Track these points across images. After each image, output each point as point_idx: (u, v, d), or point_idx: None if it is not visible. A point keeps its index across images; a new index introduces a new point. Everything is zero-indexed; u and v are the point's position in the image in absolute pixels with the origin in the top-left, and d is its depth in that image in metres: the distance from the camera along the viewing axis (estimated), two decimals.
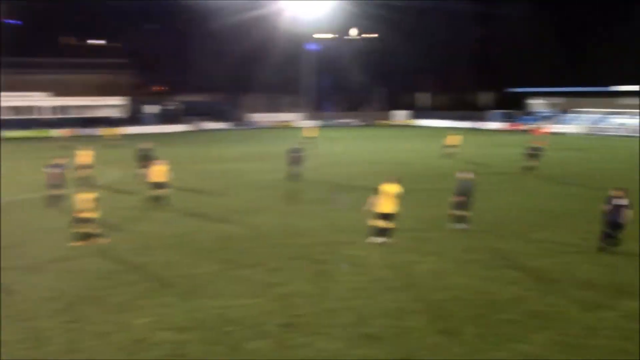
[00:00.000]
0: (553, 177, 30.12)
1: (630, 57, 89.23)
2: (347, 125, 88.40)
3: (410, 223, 19.04)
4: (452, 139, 41.02)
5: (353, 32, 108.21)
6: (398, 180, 16.80)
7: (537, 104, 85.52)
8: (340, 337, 10.28)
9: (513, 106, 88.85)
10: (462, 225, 18.34)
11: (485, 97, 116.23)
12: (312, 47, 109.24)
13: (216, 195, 25.10)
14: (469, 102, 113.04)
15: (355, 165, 36.09)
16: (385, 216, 16.33)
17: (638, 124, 66.26)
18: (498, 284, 13.09)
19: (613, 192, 16.08)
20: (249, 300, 12.00)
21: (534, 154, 32.51)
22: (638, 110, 70.56)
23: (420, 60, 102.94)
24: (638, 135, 63.49)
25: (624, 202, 15.76)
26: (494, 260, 14.93)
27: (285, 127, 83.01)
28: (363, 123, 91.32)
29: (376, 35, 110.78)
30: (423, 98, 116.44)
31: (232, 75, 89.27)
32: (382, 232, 16.45)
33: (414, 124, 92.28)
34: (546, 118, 79.83)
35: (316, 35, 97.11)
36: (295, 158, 30.00)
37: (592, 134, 67.53)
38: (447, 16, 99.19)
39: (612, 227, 15.82)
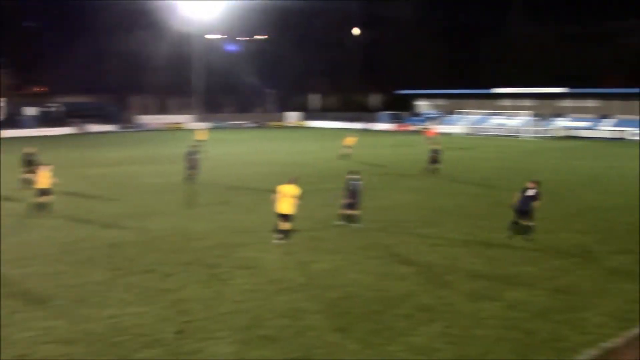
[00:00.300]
0: (443, 176, 31.38)
1: (508, 60, 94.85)
2: (239, 127, 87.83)
3: (305, 223, 19.23)
4: (349, 140, 41.78)
5: (245, 33, 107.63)
6: (295, 182, 16.93)
7: (423, 106, 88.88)
8: (236, 340, 10.22)
9: (401, 107, 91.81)
10: (356, 225, 18.79)
11: (374, 99, 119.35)
12: (230, 47, 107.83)
13: (105, 200, 24.20)
14: (359, 104, 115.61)
15: (249, 166, 35.98)
16: (283, 217, 16.52)
17: (516, 124, 70.41)
18: (391, 280, 13.50)
19: (528, 184, 17.54)
20: (141, 308, 11.67)
21: (435, 156, 32.97)
22: (516, 112, 75.07)
23: (311, 62, 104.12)
24: (517, 135, 67.50)
25: (533, 192, 17.27)
26: (387, 257, 15.38)
27: (176, 129, 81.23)
28: (256, 124, 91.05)
29: (266, 37, 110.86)
30: (314, 99, 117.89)
31: (120, 75, 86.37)
32: (280, 233, 16.66)
33: (306, 125, 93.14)
34: (432, 119, 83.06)
35: (208, 36, 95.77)
36: (192, 161, 29.56)
37: (475, 134, 71.00)
38: (336, 18, 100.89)
39: (519, 215, 17.35)
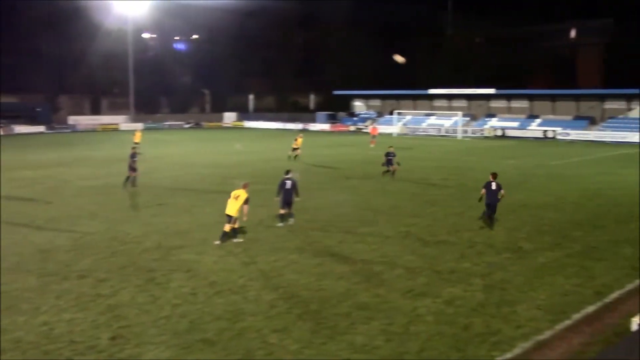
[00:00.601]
0: (380, 176, 31.73)
1: (442, 62, 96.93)
2: (176, 128, 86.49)
3: (244, 224, 19.13)
4: (299, 141, 41.66)
5: (182, 33, 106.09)
6: (246, 187, 16.96)
7: (360, 106, 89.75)
8: (174, 344, 10.05)
9: (339, 108, 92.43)
10: (290, 221, 19.04)
11: (312, 99, 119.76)
12: (179, 46, 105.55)
13: (36, 203, 23.37)
14: (297, 104, 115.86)
15: (185, 168, 35.48)
16: (229, 218, 16.58)
17: (451, 124, 72.05)
18: (329, 279, 13.56)
19: (490, 177, 19.11)
20: (75, 315, 11.33)
21: (390, 158, 32.17)
22: (450, 112, 76.77)
23: (248, 63, 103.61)
24: (451, 135, 69.11)
25: (494, 185, 18.84)
26: (325, 257, 15.45)
27: (109, 129, 79.28)
28: (193, 125, 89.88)
29: (203, 37, 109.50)
30: (252, 100, 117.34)
31: (50, 75, 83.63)
32: (224, 234, 16.72)
33: (244, 126, 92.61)
34: (370, 119, 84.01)
35: (144, 35, 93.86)
36: (133, 162, 28.77)
37: (412, 134, 72.26)
38: (273, 18, 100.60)
39: (487, 207, 19.07)
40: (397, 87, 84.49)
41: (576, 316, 11.40)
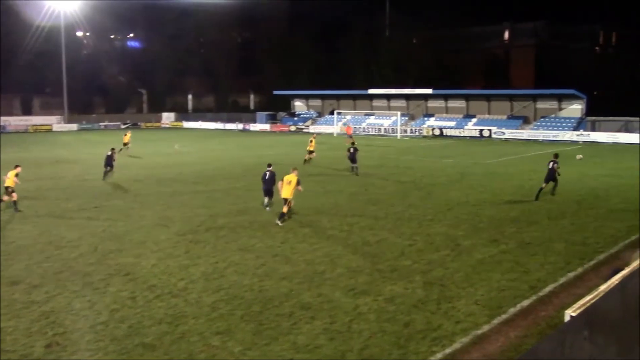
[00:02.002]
0: (321, 174, 31.87)
1: (381, 62, 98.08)
2: (112, 128, 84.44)
3: (184, 226, 18.90)
4: (312, 144, 41.19)
5: (118, 32, 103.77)
6: (294, 170, 19.84)
7: (301, 106, 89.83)
8: (112, 350, 9.82)
9: (279, 108, 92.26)
10: (271, 206, 21.67)
11: (252, 99, 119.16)
12: (133, 44, 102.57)
13: None
14: (237, 104, 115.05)
15: (121, 169, 34.67)
16: (285, 201, 19.51)
17: (390, 124, 73.00)
18: (271, 280, 13.53)
19: (552, 157, 24.93)
20: (6, 323, 10.90)
21: (353, 155, 33.13)
22: (389, 112, 77.78)
23: (186, 62, 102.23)
24: (391, 134, 70.02)
25: (551, 164, 24.49)
26: (267, 258, 15.40)
27: (42, 130, 76.70)
28: (129, 125, 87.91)
29: (140, 35, 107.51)
30: (190, 100, 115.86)
31: None
32: (282, 215, 19.36)
33: (183, 126, 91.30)
34: (311, 119, 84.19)
35: (78, 34, 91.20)
36: (107, 160, 30.35)
37: (353, 134, 72.74)
38: (210, 17, 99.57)
39: (547, 181, 24.63)
40: (337, 87, 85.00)
41: (512, 310, 11.74)
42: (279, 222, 19.10)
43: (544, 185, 24.67)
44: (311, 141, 39.15)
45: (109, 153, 30.73)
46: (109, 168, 30.53)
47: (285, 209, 19.47)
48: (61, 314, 11.44)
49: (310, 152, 38.36)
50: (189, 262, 14.92)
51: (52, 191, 26.58)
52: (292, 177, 19.67)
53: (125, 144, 43.82)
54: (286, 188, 19.45)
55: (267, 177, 21.99)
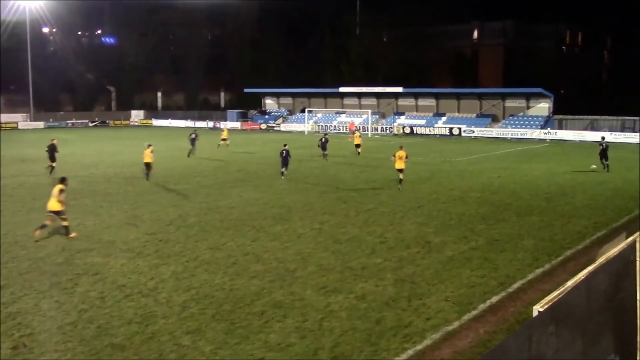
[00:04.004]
0: (292, 172, 31.84)
1: (352, 60, 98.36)
2: (80, 126, 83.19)
3: (153, 225, 18.74)
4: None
5: (85, 28, 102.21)
6: (401, 147, 24.06)
7: (272, 104, 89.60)
8: (80, 351, 9.69)
9: (250, 106, 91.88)
10: (285, 175, 29.30)
11: (222, 97, 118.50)
12: (107, 40, 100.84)
13: None
14: (207, 102, 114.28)
15: (90, 168, 34.26)
16: (400, 171, 26.55)
17: (361, 122, 73.21)
18: (242, 279, 13.49)
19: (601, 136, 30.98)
20: None
21: (324, 145, 39.45)
22: (360, 110, 78.01)
23: (155, 59, 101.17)
24: (362, 132, 70.22)
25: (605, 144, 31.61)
26: (238, 256, 15.34)
27: (6, 128, 75.18)
28: (98, 123, 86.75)
29: (107, 32, 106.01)
30: (160, 97, 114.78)
31: None
32: (400, 181, 26.46)
33: (152, 124, 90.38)
34: (282, 117, 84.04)
35: (44, 30, 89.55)
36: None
37: (323, 132, 72.81)
38: (179, 14, 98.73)
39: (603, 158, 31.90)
40: (308, 85, 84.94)
41: (482, 306, 11.90)
42: (400, 187, 26.27)
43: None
44: (354, 134, 46.71)
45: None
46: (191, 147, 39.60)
47: (400, 175, 26.55)
48: (28, 315, 11.26)
49: (358, 145, 43.24)
50: (159, 262, 14.80)
51: (17, 189, 26.10)
52: (402, 153, 26.38)
53: (223, 140, 46.84)
54: (399, 162, 26.33)
55: (284, 154, 29.98)
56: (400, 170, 26.33)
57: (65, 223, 17.20)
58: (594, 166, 33.76)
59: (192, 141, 40.69)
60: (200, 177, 30.41)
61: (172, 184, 28.10)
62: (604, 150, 33.19)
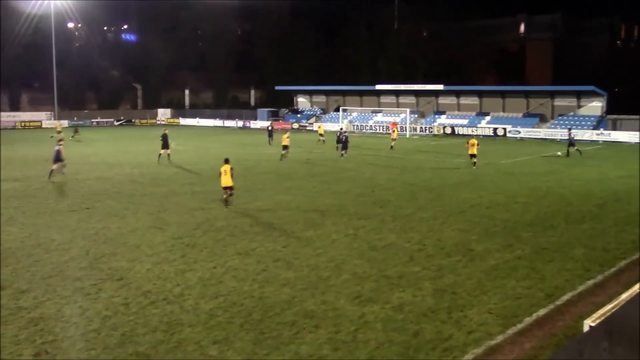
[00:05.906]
0: (326, 174, 31.87)
1: (390, 57, 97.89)
2: (105, 125, 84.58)
3: (180, 229, 18.93)
4: (394, 134, 50.43)
5: (111, 24, 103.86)
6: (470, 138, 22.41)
7: (304, 102, 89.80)
8: (105, 359, 9.85)
9: (282, 104, 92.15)
10: (344, 155, 33.89)
11: (252, 95, 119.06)
12: (130, 37, 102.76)
13: None
14: (237, 100, 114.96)
15: (116, 168, 34.79)
16: (472, 157, 35.40)
17: (399, 122, 72.91)
18: (272, 286, 13.53)
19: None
20: None
21: (345, 143, 41.10)
22: (398, 109, 77.65)
23: (183, 56, 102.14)
24: (400, 132, 69.92)
25: None
26: (268, 263, 15.40)
27: (30, 127, 76.84)
28: (123, 122, 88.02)
29: (134, 27, 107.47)
30: (188, 95, 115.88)
31: None
32: (474, 164, 32.98)
33: (180, 123, 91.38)
34: (315, 116, 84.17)
35: (69, 25, 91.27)
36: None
37: (359, 132, 72.73)
38: (208, 9, 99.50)
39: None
40: (342, 82, 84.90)
41: (528, 320, 11.72)
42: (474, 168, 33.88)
43: None
44: (393, 130, 51.29)
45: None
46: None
47: (474, 159, 35.17)
48: (50, 320, 11.47)
49: (393, 139, 48.99)
50: (186, 267, 14.94)
51: (41, 191, 26.65)
52: (474, 141, 35.41)
53: (321, 135, 51.87)
54: (471, 148, 35.13)
55: (342, 136, 39.52)
56: (473, 155, 34.93)
57: (232, 197, 22.79)
58: None
59: (270, 132, 53.63)
60: None
61: (199, 185, 28.36)
62: None
